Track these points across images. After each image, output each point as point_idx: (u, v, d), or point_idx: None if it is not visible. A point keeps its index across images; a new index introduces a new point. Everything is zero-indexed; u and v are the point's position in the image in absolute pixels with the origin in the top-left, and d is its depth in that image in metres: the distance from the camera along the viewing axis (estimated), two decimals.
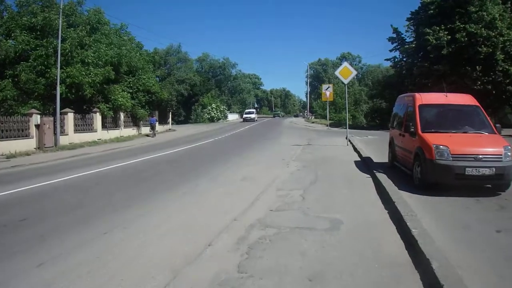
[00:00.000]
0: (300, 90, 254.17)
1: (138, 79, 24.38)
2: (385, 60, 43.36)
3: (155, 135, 25.32)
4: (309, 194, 6.29)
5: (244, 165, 9.86)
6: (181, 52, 56.52)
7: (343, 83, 14.77)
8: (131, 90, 23.41)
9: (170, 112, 31.71)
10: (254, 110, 48.91)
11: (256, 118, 44.34)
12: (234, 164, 10.10)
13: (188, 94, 53.03)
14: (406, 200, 5.32)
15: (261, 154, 12.38)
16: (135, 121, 24.50)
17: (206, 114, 49.91)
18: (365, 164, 9.18)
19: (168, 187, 7.35)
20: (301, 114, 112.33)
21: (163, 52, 52.13)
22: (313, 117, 53.59)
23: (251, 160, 11.01)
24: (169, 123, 31.25)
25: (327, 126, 30.32)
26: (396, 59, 28.94)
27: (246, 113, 46.24)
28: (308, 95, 65.54)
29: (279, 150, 13.31)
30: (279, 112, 79.94)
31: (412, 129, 6.67)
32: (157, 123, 25.72)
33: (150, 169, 9.93)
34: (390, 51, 28.78)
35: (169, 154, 13.54)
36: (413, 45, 25.81)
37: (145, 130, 25.71)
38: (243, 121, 41.81)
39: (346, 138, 14.96)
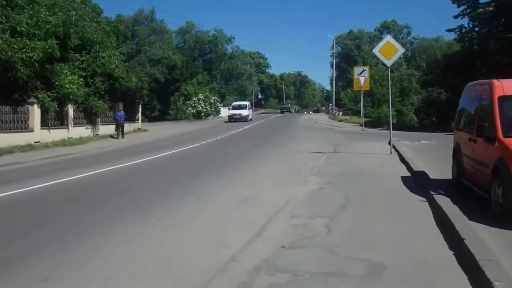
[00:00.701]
0: (322, 76, 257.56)
1: (94, 57, 24.60)
2: (446, 31, 43.18)
3: (123, 136, 25.70)
4: (336, 224, 6.25)
5: (244, 181, 9.96)
6: (156, 20, 57.20)
7: (384, 65, 14.77)
8: (84, 73, 23.61)
9: (140, 105, 31.89)
10: (247, 103, 46.54)
11: (250, 116, 42.23)
12: (231, 180, 10.22)
13: (166, 79, 53.48)
14: (481, 236, 5.20)
15: (268, 166, 12.51)
16: (90, 117, 24.69)
17: (190, 108, 50.25)
18: (418, 182, 9.14)
19: (138, 211, 7.39)
20: (323, 108, 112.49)
21: (130, 21, 52.78)
22: (340, 113, 53.67)
23: (254, 174, 11.12)
24: (138, 120, 31.39)
25: (361, 125, 30.35)
26: (464, 30, 27.99)
27: (234, 108, 43.03)
28: (334, 82, 65.62)
29: (293, 160, 13.46)
30: (289, 105, 79.25)
31: (489, 132, 6.55)
32: (125, 120, 26.41)
33: (112, 185, 10.03)
34: (455, 17, 27.79)
35: (139, 164, 13.79)
36: (491, 8, 24.68)
37: (105, 129, 25.94)
38: (229, 120, 40.02)
39: (389, 143, 14.95)
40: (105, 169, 12.47)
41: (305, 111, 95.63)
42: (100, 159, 15.56)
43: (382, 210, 6.99)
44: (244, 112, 41.11)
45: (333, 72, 67.41)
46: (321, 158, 13.62)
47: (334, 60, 68.26)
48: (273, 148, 17.39)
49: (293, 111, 77.36)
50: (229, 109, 43.53)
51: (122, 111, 26.39)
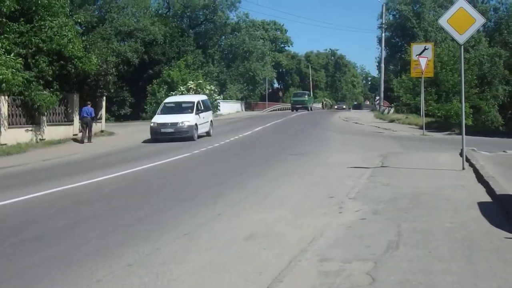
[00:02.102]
0: (365, 56, 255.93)
1: (38, 28, 24.90)
2: None
3: (90, 140, 26.87)
4: (384, 272, 6.22)
5: (253, 209, 10.03)
6: None
7: (455, 41, 14.72)
8: (23, 51, 23.88)
9: (104, 98, 32.17)
10: (194, 99, 29.76)
11: (207, 129, 29.20)
12: (233, 206, 10.31)
13: (141, 61, 53.58)
14: None
15: (288, 186, 12.59)
16: (31, 114, 25.01)
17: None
18: (504, 211, 9.07)
19: (99, 252, 7.45)
20: (367, 103, 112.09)
21: None
22: (391, 110, 53.59)
23: (267, 197, 11.21)
24: (101, 119, 31.67)
25: (421, 128, 30.29)
26: None
27: (165, 109, 29.15)
28: (383, 65, 65.51)
29: (323, 178, 13.55)
30: (306, 97, 77.04)
31: None
32: (93, 117, 27.76)
33: (60, 214, 10.20)
34: None
35: (100, 183, 14.00)
36: None
37: (53, 132, 26.29)
38: (152, 137, 27.01)
39: (462, 154, 14.87)
40: (48, 191, 12.65)
41: (341, 106, 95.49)
42: (45, 175, 15.71)
43: (451, 254, 6.91)
44: (183, 120, 27.01)
45: (381, 51, 66.88)
46: (363, 175, 13.63)
47: (383, 34, 67.86)
48: (296, 161, 17.50)
49: (310, 107, 75.17)
50: (245, 102, 42.59)
51: (90, 105, 26.96)
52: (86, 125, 27.23)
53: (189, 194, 11.92)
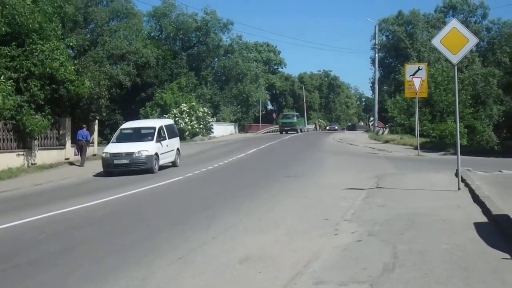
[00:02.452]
0: (359, 77, 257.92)
1: (30, 52, 24.98)
2: None
3: (83, 163, 27.07)
4: None
5: (245, 231, 10.06)
6: None
7: (449, 61, 14.83)
8: (14, 75, 23.91)
9: (97, 122, 32.22)
10: (155, 125, 25.75)
11: (152, 163, 23.27)
12: (226, 228, 10.31)
13: (133, 84, 53.55)
14: None
15: (282, 208, 12.61)
16: (22, 139, 24.94)
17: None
18: (501, 232, 9.07)
19: (92, 277, 7.43)
20: (361, 124, 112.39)
21: (82, 0, 53.63)
22: (385, 130, 53.76)
23: (260, 219, 11.22)
24: (93, 143, 31.64)
25: (416, 148, 30.35)
26: None
27: (121, 138, 25.12)
28: (376, 86, 65.82)
29: (317, 200, 13.56)
30: (294, 119, 74.38)
31: None
32: (88, 141, 28.02)
33: (52, 239, 10.23)
34: None
35: (93, 207, 14.04)
36: None
37: (45, 156, 26.24)
38: (104, 172, 23.56)
39: (457, 174, 14.89)
40: (39, 216, 12.66)
41: (333, 127, 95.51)
42: (36, 200, 15.67)
43: (448, 275, 6.90)
44: (140, 149, 23.28)
45: (375, 72, 67.17)
46: (358, 196, 13.62)
47: (376, 55, 68.31)
48: (290, 182, 17.51)
49: (299, 129, 73.73)
50: (238, 124, 42.09)
51: (85, 129, 27.24)
52: (81, 148, 27.40)
53: (183, 217, 11.90)
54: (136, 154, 22.76)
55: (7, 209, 14.38)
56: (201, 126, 53.24)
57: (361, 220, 10.41)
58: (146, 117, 50.87)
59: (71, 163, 27.49)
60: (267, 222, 10.85)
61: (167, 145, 24.80)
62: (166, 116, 51.52)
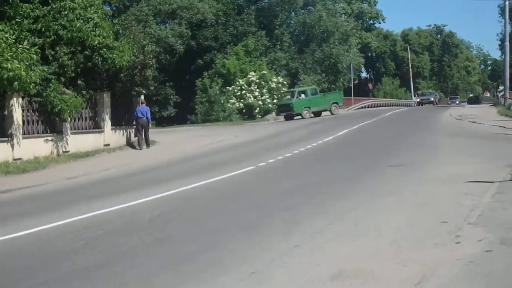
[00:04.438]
0: (483, 35, 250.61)
1: (57, 11, 25.49)
2: None
3: (148, 145, 29.31)
4: None
5: (337, 238, 10.03)
6: None
7: None
8: (39, 40, 24.45)
9: (142, 98, 32.69)
10: None
11: None
12: (312, 235, 10.32)
13: (188, 49, 53.94)
14: None
15: (384, 208, 12.54)
16: (51, 120, 25.57)
17: (233, 100, 50.93)
18: None
19: None
20: (487, 95, 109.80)
21: None
22: None
23: (357, 224, 11.15)
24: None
25: None
26: None
27: None
28: (507, 43, 63.98)
29: (429, 197, 13.42)
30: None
31: None
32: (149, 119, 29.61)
33: (90, 248, 10.42)
34: None
35: (144, 204, 14.37)
36: None
37: (77, 141, 27.05)
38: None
39: None
40: (74, 218, 12.93)
41: (453, 99, 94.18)
42: (69, 198, 16.04)
43: None
44: None
45: (505, 25, 65.66)
46: (486, 192, 13.28)
47: (507, 2, 66.46)
48: (392, 174, 17.32)
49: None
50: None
51: (144, 104, 29.33)
52: (141, 127, 28.90)
53: (254, 220, 11.91)
54: None
55: (34, 209, 14.71)
56: (275, 100, 53.28)
57: (491, 224, 10.17)
58: (204, 90, 51.33)
59: (132, 146, 29.46)
60: (365, 226, 10.75)
61: None
62: (230, 88, 51.86)
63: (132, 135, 30.99)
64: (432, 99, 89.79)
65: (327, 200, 13.75)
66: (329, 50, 71.40)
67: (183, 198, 15.45)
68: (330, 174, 18.44)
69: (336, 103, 59.71)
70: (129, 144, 30.96)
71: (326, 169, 19.75)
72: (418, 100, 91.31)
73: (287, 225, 11.08)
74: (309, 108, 57.81)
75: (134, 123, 30.02)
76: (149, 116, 29.88)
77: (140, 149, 28.96)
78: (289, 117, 57.01)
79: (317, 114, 58.80)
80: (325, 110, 58.29)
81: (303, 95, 58.88)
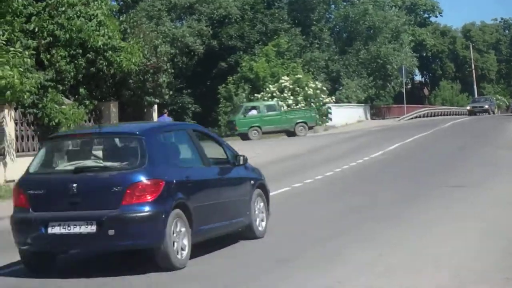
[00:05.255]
0: None
1: (54, 7, 25.51)
2: None
3: None
4: None
5: (388, 271, 9.98)
6: None
7: None
8: (33, 42, 24.54)
9: (155, 108, 32.70)
10: None
11: None
12: (358, 268, 10.28)
13: (209, 49, 53.86)
14: None
15: (443, 234, 12.52)
16: (48, 135, 25.49)
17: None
18: None
19: None
20: None
21: None
22: None
23: (410, 252, 11.14)
24: None
25: None
26: None
27: None
28: None
29: (499, 223, 13.57)
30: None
31: None
32: None
33: None
34: None
35: None
36: None
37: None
38: None
39: None
40: None
41: None
42: None
43: None
44: None
45: None
46: None
47: None
48: (453, 196, 17.35)
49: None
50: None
51: (166, 114, 28.41)
52: None
53: (290, 251, 11.80)
54: None
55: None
56: (313, 108, 53.23)
57: None
58: (228, 98, 51.26)
59: None
60: (422, 258, 10.66)
61: None
62: (259, 96, 51.78)
63: None
64: (486, 106, 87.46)
65: (375, 225, 13.72)
66: (376, 50, 71.18)
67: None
68: (378, 196, 18.33)
69: (305, 123, 54.92)
70: None
71: (373, 190, 19.69)
72: (468, 108, 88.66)
73: (328, 255, 11.05)
74: (259, 128, 54.20)
75: None
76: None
77: None
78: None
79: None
80: (286, 132, 55.11)
81: (254, 111, 55.23)
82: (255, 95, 51.62)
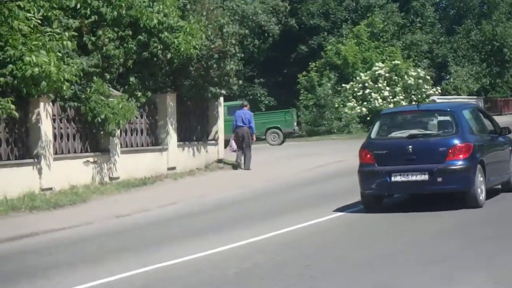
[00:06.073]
0: None
1: None
2: None
3: (249, 164, 30.31)
4: None
5: None
6: None
7: None
8: (74, 22, 24.37)
9: (221, 101, 32.49)
10: None
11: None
12: None
13: (286, 30, 53.90)
14: None
15: None
16: (92, 133, 25.40)
17: (352, 104, 51.20)
18: None
19: None
20: None
21: None
22: None
23: None
24: (216, 139, 32.13)
25: None
26: None
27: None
28: None
29: None
30: None
31: None
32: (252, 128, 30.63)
33: None
34: None
35: (230, 253, 14.28)
36: None
37: (129, 163, 26.95)
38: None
39: None
40: (128, 273, 12.52)
41: None
42: (119, 244, 16.18)
43: None
44: None
45: None
46: None
47: None
48: None
49: None
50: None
51: (246, 108, 30.14)
52: (242, 139, 29.32)
53: (388, 278, 11.13)
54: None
55: (69, 262, 14.23)
56: (413, 103, 52.53)
57: None
58: (310, 89, 51.02)
59: (234, 166, 30.47)
60: None
61: None
62: (348, 86, 51.47)
63: (215, 151, 31.66)
64: None
65: None
66: (491, 29, 70.09)
67: (281, 244, 15.12)
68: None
69: (277, 128, 53.60)
70: (212, 163, 31.28)
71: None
72: None
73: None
74: None
75: (233, 134, 30.46)
76: (252, 124, 30.30)
77: (243, 169, 30.34)
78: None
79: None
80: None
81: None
82: (343, 85, 51.49)
